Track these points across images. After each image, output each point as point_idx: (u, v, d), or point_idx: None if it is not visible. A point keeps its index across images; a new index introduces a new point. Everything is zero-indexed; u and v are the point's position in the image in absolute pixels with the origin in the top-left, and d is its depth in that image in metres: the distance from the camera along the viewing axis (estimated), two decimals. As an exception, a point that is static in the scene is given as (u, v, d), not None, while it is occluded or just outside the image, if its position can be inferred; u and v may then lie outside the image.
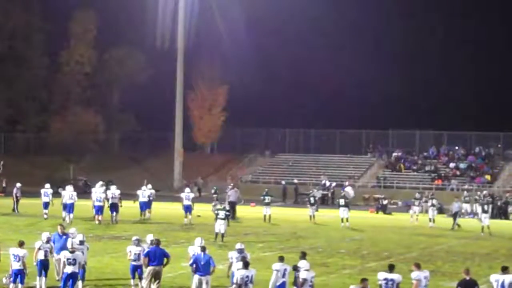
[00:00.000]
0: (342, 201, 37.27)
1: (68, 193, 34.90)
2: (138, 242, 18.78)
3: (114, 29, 67.76)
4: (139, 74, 72.21)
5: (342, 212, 36.51)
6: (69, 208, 34.43)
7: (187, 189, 37.45)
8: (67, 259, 17.33)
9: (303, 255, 17.01)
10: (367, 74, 68.35)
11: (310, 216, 37.91)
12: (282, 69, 71.98)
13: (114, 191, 35.23)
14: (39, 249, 18.30)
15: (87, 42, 71.54)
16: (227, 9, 64.69)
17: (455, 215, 37.59)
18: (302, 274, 15.91)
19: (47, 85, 72.37)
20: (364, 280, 14.83)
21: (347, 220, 36.25)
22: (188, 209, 35.48)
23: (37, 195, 53.31)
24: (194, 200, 36.84)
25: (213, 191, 42.97)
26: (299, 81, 71.90)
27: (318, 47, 71.08)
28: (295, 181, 55.34)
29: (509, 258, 26.34)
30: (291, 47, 72.03)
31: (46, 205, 36.37)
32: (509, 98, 65.43)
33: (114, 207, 34.85)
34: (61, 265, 18.21)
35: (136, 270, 18.51)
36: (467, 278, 15.24)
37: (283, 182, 55.22)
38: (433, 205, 38.02)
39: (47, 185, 37.27)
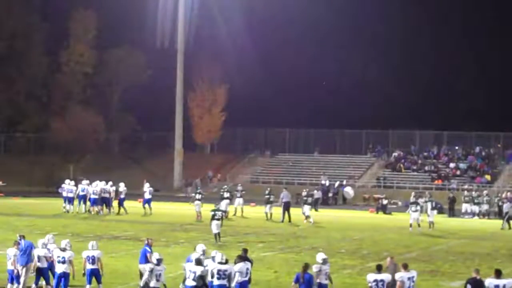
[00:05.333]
0: (309, 199, 37.86)
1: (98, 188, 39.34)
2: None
3: (114, 29, 67.75)
4: (139, 74, 72.19)
5: (306, 209, 37.33)
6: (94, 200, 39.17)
7: (147, 184, 40.56)
8: (57, 257, 17.30)
9: (245, 251, 17.19)
10: (367, 74, 68.37)
11: (306, 216, 37.87)
12: (282, 69, 71.92)
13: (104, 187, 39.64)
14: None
15: (87, 42, 71.52)
16: (227, 9, 64.72)
17: (505, 215, 38.06)
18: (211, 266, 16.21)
19: (47, 85, 72.35)
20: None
21: (308, 217, 37.30)
22: (148, 202, 39.55)
23: (37, 195, 53.35)
24: (192, 200, 37.69)
25: (198, 190, 40.94)
26: (299, 81, 71.88)
27: (318, 47, 71.10)
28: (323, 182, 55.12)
29: (509, 258, 26.35)
30: (291, 47, 72.00)
31: (66, 199, 39.73)
32: (509, 98, 65.44)
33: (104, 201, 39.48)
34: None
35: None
36: (477, 277, 15.27)
37: (322, 182, 54.75)
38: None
39: (67, 181, 40.80)
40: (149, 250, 18.48)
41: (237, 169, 64.79)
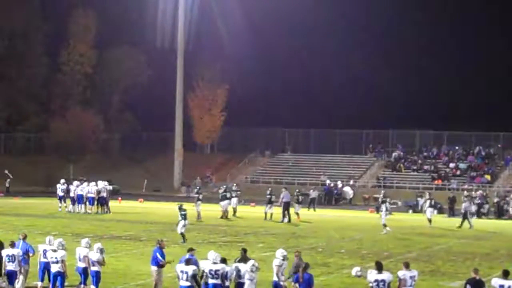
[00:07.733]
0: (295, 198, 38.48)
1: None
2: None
3: (114, 29, 67.80)
4: (139, 74, 72.20)
5: (296, 207, 38.15)
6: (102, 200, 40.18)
7: (105, 183, 41.52)
8: (51, 257, 17.45)
9: (244, 251, 17.21)
10: (367, 74, 68.34)
11: (297, 214, 37.89)
12: (282, 69, 71.96)
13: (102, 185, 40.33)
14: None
15: (87, 42, 71.53)
16: (227, 9, 64.74)
17: (465, 215, 37.69)
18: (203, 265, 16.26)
19: (47, 85, 72.37)
20: None
21: (297, 215, 37.90)
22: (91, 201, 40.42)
23: (37, 195, 53.35)
24: (192, 200, 37.88)
25: (196, 189, 41.28)
26: (299, 81, 71.90)
27: (318, 47, 71.09)
28: (328, 181, 55.25)
29: (509, 258, 26.35)
30: (291, 47, 72.02)
31: (61, 198, 40.64)
32: (509, 98, 65.43)
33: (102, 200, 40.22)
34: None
35: None
36: (477, 277, 15.25)
37: (328, 182, 54.88)
38: (386, 207, 34.69)
39: (62, 181, 41.51)
40: (161, 252, 17.87)
41: (237, 169, 64.78)
